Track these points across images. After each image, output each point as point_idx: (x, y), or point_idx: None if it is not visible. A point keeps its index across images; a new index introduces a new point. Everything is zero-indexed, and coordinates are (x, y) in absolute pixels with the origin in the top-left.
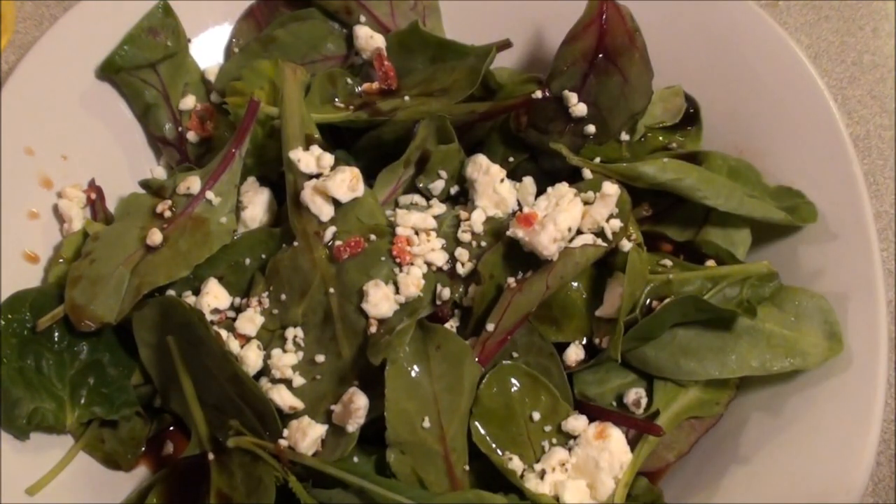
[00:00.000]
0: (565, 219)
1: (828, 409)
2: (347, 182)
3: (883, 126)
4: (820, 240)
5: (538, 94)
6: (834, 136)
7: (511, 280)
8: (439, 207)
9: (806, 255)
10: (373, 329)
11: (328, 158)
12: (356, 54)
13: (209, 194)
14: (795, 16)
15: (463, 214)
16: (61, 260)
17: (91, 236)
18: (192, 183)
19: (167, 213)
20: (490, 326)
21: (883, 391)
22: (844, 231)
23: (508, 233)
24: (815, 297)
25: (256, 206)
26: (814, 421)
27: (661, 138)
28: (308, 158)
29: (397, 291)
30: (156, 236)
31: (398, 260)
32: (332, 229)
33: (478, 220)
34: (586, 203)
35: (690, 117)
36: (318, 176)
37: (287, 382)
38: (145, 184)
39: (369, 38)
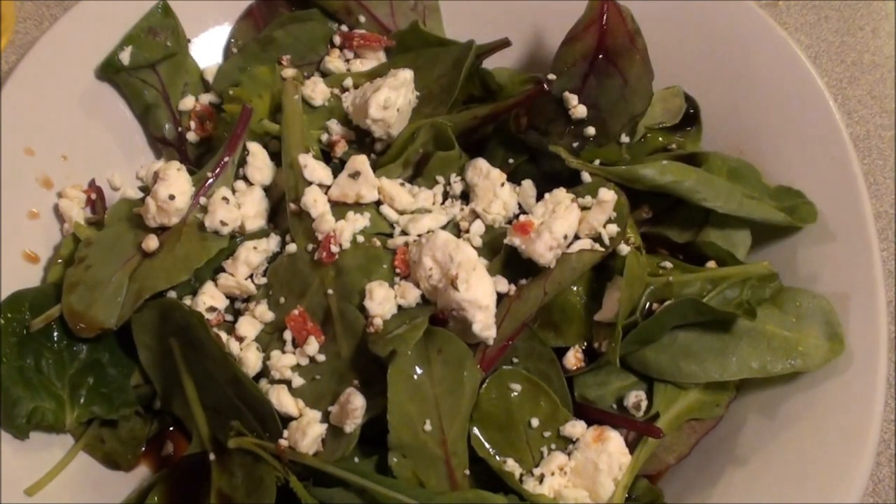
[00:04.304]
0: (561, 226)
1: (828, 410)
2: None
3: (883, 126)
4: (820, 240)
5: (541, 85)
6: (834, 136)
7: (510, 287)
8: (441, 213)
9: (806, 255)
10: (372, 329)
11: (329, 168)
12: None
13: (203, 200)
14: (795, 16)
15: (463, 225)
16: (60, 260)
17: (83, 241)
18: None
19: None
20: None
21: (883, 391)
22: (844, 231)
23: (506, 241)
24: (817, 297)
25: (249, 205)
26: (814, 421)
27: (660, 139)
28: (314, 165)
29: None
30: (152, 242)
31: (398, 271)
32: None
33: (476, 232)
34: (584, 209)
35: (690, 118)
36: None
37: (287, 383)
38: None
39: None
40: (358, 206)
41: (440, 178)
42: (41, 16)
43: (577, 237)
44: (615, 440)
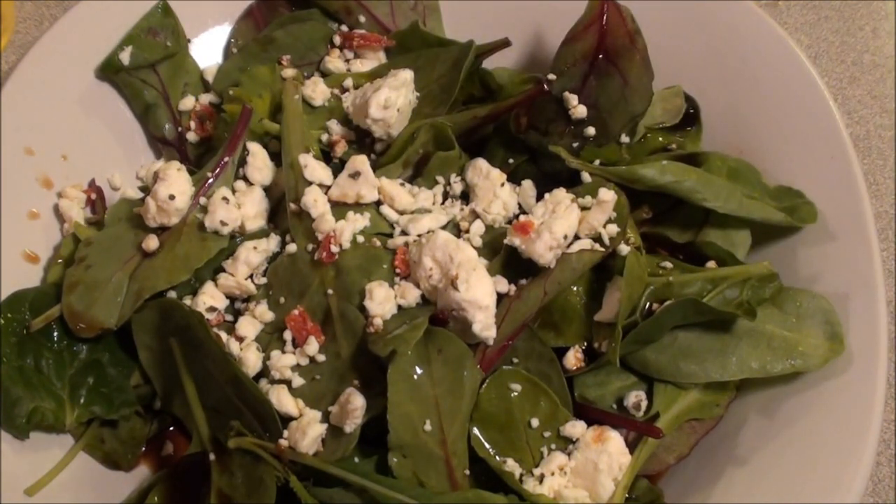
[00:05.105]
0: (561, 226)
1: (828, 410)
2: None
3: (883, 126)
4: (820, 240)
5: (541, 85)
6: (834, 136)
7: (510, 287)
8: (441, 213)
9: (806, 255)
10: (372, 329)
11: (329, 169)
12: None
13: (203, 200)
14: (795, 16)
15: (463, 225)
16: (60, 260)
17: (83, 242)
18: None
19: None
20: None
21: (883, 391)
22: (844, 231)
23: (506, 241)
24: (817, 297)
25: (249, 205)
26: (814, 421)
27: (660, 139)
28: (314, 165)
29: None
30: (152, 242)
31: (398, 271)
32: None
33: (476, 232)
34: (584, 209)
35: (690, 118)
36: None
37: (287, 383)
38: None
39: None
40: (358, 206)
41: (440, 178)
42: (41, 16)
43: (577, 237)
44: (615, 440)
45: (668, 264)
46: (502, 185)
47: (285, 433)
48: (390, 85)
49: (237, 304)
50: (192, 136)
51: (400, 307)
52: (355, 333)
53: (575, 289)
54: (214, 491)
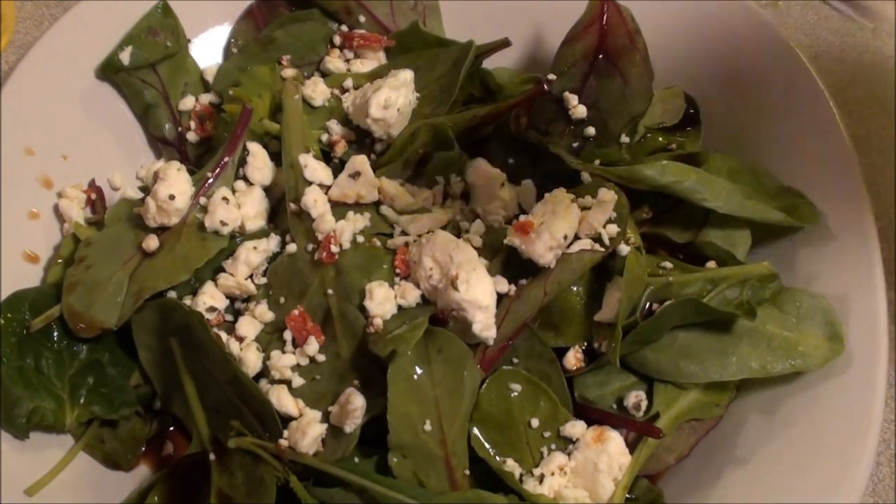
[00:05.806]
0: (560, 226)
1: (828, 410)
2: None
3: (883, 126)
4: (820, 240)
5: (541, 85)
6: (834, 135)
7: (510, 287)
8: (441, 213)
9: (806, 255)
10: (372, 329)
11: (329, 169)
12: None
13: (203, 200)
14: (795, 16)
15: (463, 225)
16: (60, 260)
17: (83, 242)
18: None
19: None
20: None
21: (883, 391)
22: (844, 231)
23: (506, 241)
24: (816, 297)
25: (249, 205)
26: (814, 421)
27: (660, 139)
28: (314, 165)
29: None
30: (152, 242)
31: (398, 271)
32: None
33: (476, 232)
34: (584, 209)
35: (690, 118)
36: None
37: (287, 383)
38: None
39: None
40: (358, 206)
41: (440, 178)
42: (41, 16)
43: (577, 237)
44: (615, 440)
45: (668, 264)
46: (502, 185)
47: (285, 433)
48: (390, 85)
49: (237, 304)
50: (192, 136)
51: (400, 307)
52: (355, 333)
53: (575, 289)
54: (214, 491)
